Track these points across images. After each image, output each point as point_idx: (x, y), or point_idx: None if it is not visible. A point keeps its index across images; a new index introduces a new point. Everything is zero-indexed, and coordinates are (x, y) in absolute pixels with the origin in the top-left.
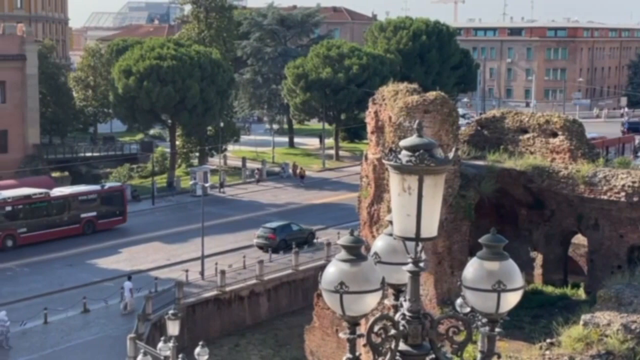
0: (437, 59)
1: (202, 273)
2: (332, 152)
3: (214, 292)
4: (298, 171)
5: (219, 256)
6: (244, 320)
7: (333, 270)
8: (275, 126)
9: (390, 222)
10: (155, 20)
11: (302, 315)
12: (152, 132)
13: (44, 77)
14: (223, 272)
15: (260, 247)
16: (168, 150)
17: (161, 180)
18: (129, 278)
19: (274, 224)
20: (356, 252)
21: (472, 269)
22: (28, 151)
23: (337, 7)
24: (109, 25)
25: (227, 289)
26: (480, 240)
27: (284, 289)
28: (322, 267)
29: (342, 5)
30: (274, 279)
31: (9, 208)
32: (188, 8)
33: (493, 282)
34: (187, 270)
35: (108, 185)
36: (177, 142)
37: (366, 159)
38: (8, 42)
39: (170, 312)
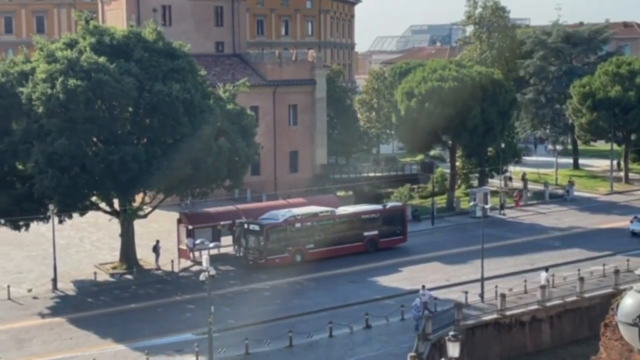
0: None
1: (481, 295)
2: (621, 174)
3: (493, 316)
4: (568, 181)
5: (498, 279)
6: (524, 347)
7: (631, 302)
8: (558, 147)
9: None
10: (437, 42)
11: (587, 345)
12: (432, 153)
13: (331, 100)
14: (503, 296)
15: None
16: (448, 171)
17: (441, 201)
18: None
19: None
20: None
21: None
22: (316, 171)
23: (627, 22)
24: (393, 49)
25: (508, 313)
26: None
27: (568, 316)
28: (610, 295)
29: (634, 20)
30: (557, 305)
31: (298, 225)
32: (470, 29)
33: None
34: (466, 292)
35: (389, 204)
36: (457, 163)
37: None
38: (300, 67)
39: (451, 333)
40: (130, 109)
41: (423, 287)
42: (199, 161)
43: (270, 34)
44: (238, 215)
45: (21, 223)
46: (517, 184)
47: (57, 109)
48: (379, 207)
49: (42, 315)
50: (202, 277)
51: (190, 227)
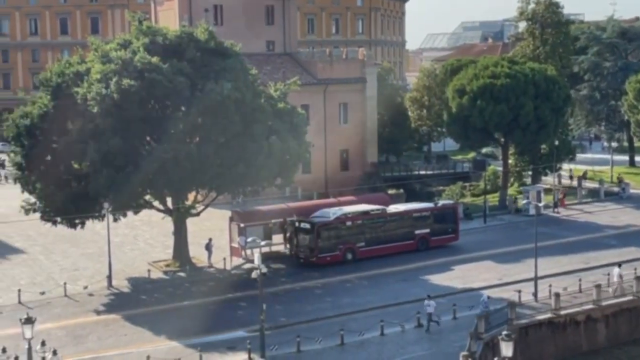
0: None
1: (535, 294)
2: None
3: (547, 315)
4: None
5: (552, 278)
6: (579, 346)
7: None
8: (614, 144)
9: None
10: (489, 39)
11: None
12: (484, 150)
13: (382, 98)
14: (557, 295)
15: None
16: (500, 168)
17: (493, 199)
18: None
19: None
20: None
21: None
22: (366, 169)
23: None
24: (444, 46)
25: (562, 312)
26: None
27: (624, 316)
28: None
29: None
30: (613, 305)
31: (349, 223)
32: (523, 25)
33: None
34: (519, 291)
35: (441, 203)
36: (510, 161)
37: None
38: (350, 66)
39: (504, 332)
40: (182, 108)
41: (428, 296)
42: (251, 160)
43: (320, 32)
44: (289, 213)
45: (77, 221)
46: (574, 182)
47: (112, 108)
48: (430, 205)
49: (98, 312)
50: (253, 274)
51: (242, 225)
